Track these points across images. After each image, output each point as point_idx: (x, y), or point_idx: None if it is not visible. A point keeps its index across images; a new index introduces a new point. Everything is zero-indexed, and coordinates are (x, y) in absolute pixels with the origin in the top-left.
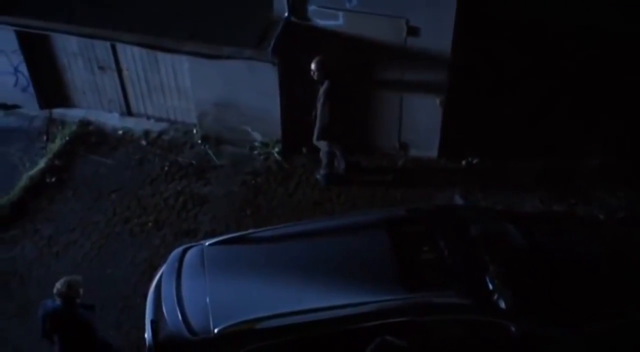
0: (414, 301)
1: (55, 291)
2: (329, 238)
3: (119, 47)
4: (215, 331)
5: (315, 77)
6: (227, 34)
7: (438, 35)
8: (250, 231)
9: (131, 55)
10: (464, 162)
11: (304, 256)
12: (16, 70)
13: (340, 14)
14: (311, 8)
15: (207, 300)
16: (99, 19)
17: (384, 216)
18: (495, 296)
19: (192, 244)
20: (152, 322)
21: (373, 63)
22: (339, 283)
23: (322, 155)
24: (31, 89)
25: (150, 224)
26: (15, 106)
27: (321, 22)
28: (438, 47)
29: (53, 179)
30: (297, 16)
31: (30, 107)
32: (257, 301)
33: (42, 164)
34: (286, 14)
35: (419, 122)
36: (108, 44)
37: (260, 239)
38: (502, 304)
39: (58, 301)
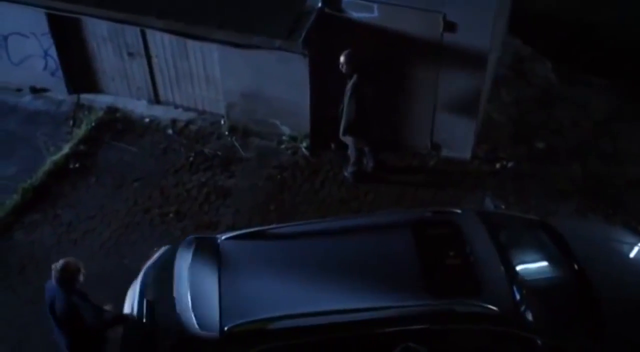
0: (436, 308)
1: (52, 272)
2: (350, 237)
3: (149, 33)
4: (225, 328)
5: (343, 71)
6: (258, 23)
7: (476, 32)
8: (269, 226)
9: (161, 42)
10: (497, 165)
11: (323, 254)
12: (46, 53)
13: (375, 6)
14: None
15: (219, 296)
16: (129, 4)
17: (409, 217)
18: (523, 307)
19: (206, 235)
20: (149, 302)
21: (407, 58)
22: (358, 285)
23: (350, 152)
24: (60, 73)
25: (171, 214)
26: (43, 90)
27: (355, 14)
28: (476, 45)
29: (77, 165)
30: (330, 7)
31: (59, 91)
32: (272, 300)
33: (66, 149)
34: (319, 5)
35: (453, 121)
36: (138, 29)
37: (278, 235)
38: (530, 316)
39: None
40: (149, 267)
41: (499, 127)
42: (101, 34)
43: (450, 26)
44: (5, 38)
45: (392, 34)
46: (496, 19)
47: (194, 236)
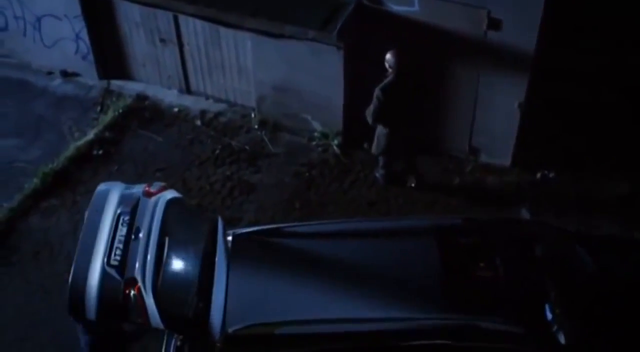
0: (459, 323)
1: None
2: (369, 241)
3: (181, 19)
4: (229, 330)
5: (388, 69)
6: (292, 13)
7: (522, 30)
8: (285, 224)
9: (193, 29)
10: (539, 175)
11: (340, 257)
12: (77, 36)
13: None
14: None
15: (225, 295)
16: None
17: (436, 222)
18: (554, 328)
19: None
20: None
21: (447, 56)
22: (375, 293)
23: (377, 147)
24: (91, 57)
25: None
26: (75, 74)
27: (395, 8)
28: (521, 44)
29: (100, 152)
30: None
31: (89, 76)
32: (281, 304)
33: (91, 135)
34: None
35: (493, 125)
36: (170, 15)
37: (295, 233)
38: (561, 338)
39: None
40: None
41: (542, 134)
42: (133, 19)
43: (494, 23)
44: (39, 19)
45: (432, 30)
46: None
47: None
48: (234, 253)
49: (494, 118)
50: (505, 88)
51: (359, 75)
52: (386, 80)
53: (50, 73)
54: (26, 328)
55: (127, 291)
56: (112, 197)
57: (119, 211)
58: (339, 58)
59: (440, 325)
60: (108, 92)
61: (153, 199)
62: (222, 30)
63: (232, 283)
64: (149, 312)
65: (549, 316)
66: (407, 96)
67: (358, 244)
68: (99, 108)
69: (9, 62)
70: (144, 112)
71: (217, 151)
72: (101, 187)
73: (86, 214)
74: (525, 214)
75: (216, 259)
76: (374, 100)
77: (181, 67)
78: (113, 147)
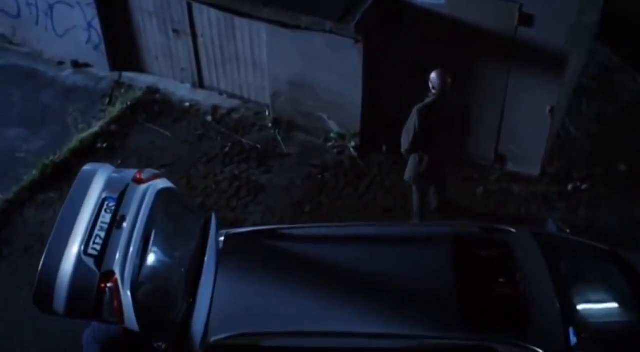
0: (472, 344)
1: None
2: (376, 248)
3: (195, 9)
4: (211, 340)
5: (432, 90)
6: (309, 3)
7: (556, 27)
8: (283, 225)
9: (207, 20)
10: (570, 186)
11: (341, 265)
12: (89, 25)
13: None
14: None
15: (211, 300)
16: None
17: (452, 231)
18: None
19: None
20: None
21: (475, 54)
22: (378, 306)
23: (413, 196)
24: (103, 47)
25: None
26: (86, 65)
27: (419, 0)
28: (555, 43)
29: (104, 145)
30: None
31: (101, 67)
32: (270, 313)
33: (96, 127)
34: None
35: (522, 131)
36: (184, 5)
37: (293, 237)
38: None
39: None
40: None
41: (576, 144)
42: (147, 8)
43: (526, 19)
44: (51, 7)
45: (458, 25)
46: (580, 16)
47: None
48: (225, 254)
49: (523, 123)
50: (536, 91)
51: (379, 73)
52: (427, 101)
53: (61, 63)
54: (9, 326)
55: (102, 285)
56: (98, 179)
57: (104, 196)
58: (357, 53)
59: (451, 346)
60: (118, 84)
61: (143, 186)
62: (237, 21)
63: (220, 287)
64: (125, 311)
65: (573, 340)
66: (447, 121)
67: (363, 250)
68: (107, 100)
69: (21, 51)
70: (154, 106)
71: (227, 149)
72: (87, 167)
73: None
74: (552, 226)
75: (205, 259)
76: (410, 123)
77: (194, 60)
78: (118, 140)
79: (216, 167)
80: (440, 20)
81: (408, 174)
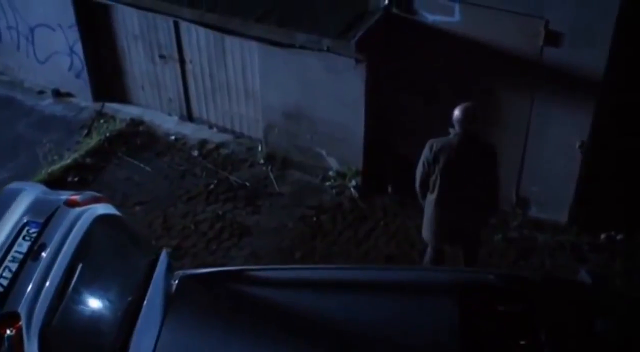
0: None
1: None
2: (364, 297)
3: (183, 31)
4: None
5: (458, 128)
6: (305, 20)
7: (588, 47)
8: (253, 267)
9: (196, 42)
10: (603, 236)
11: (321, 316)
12: (71, 50)
13: (457, 6)
14: None
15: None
16: None
17: (460, 278)
18: None
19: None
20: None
21: (493, 78)
22: None
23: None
24: (85, 75)
25: (169, 249)
26: (68, 94)
27: (431, 17)
28: (587, 66)
29: (75, 179)
30: (399, 6)
31: (83, 96)
32: None
33: (68, 160)
34: (386, 2)
35: (548, 170)
36: (171, 26)
37: (264, 281)
38: None
39: None
40: None
41: (610, 185)
42: (132, 30)
43: (553, 37)
44: (32, 30)
45: (475, 45)
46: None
47: None
48: (177, 300)
49: (549, 161)
50: (565, 122)
51: (384, 100)
52: (443, 138)
53: (41, 92)
54: None
55: (1, 331)
56: (21, 200)
57: (25, 219)
58: (360, 77)
59: None
60: (100, 114)
61: (77, 210)
62: (228, 44)
63: (165, 340)
64: None
65: None
66: (471, 168)
67: (350, 299)
68: (86, 132)
69: (2, 79)
70: (136, 139)
71: (212, 186)
72: (12, 185)
73: None
74: (584, 275)
75: (144, 304)
76: (420, 159)
77: (182, 89)
78: (92, 174)
79: (198, 205)
80: (454, 39)
81: (424, 229)
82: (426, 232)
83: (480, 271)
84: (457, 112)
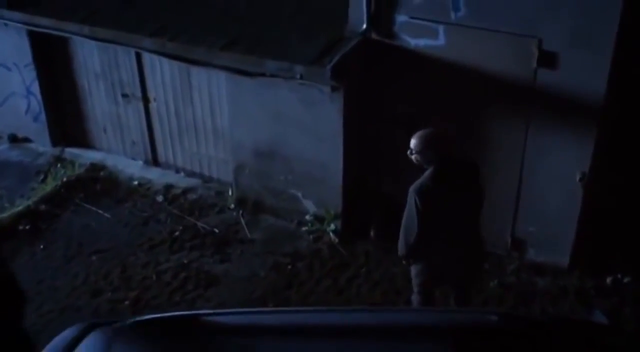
0: None
1: None
2: (348, 344)
3: (147, 68)
4: None
5: (416, 160)
6: (276, 47)
7: (587, 69)
8: (213, 311)
9: (160, 79)
10: (609, 280)
11: None
12: (28, 91)
13: (441, 29)
14: (400, 19)
15: None
16: (121, 23)
17: (457, 320)
18: None
19: (104, 319)
20: None
21: (483, 105)
22: None
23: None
24: (43, 117)
25: (126, 302)
26: (25, 139)
27: (413, 42)
28: (586, 89)
29: (27, 227)
30: (378, 30)
31: (41, 141)
32: None
33: (20, 207)
34: (364, 27)
35: (545, 208)
36: (134, 62)
37: (225, 328)
38: None
39: None
40: None
41: (615, 223)
42: (92, 68)
43: (548, 58)
44: None
45: (462, 70)
46: None
47: (90, 321)
48: None
49: (546, 197)
50: (563, 153)
51: (365, 133)
52: (423, 178)
53: None
54: None
55: None
56: None
57: None
58: (336, 107)
59: None
60: (59, 160)
61: None
62: (194, 78)
63: None
64: None
65: None
66: (459, 201)
67: (330, 348)
68: (42, 177)
69: None
70: (96, 184)
71: (177, 233)
72: None
73: None
74: (598, 315)
75: None
76: (411, 213)
77: (147, 130)
78: (45, 222)
79: (160, 254)
80: (439, 65)
81: (414, 280)
82: (418, 283)
83: (479, 311)
84: (417, 143)
